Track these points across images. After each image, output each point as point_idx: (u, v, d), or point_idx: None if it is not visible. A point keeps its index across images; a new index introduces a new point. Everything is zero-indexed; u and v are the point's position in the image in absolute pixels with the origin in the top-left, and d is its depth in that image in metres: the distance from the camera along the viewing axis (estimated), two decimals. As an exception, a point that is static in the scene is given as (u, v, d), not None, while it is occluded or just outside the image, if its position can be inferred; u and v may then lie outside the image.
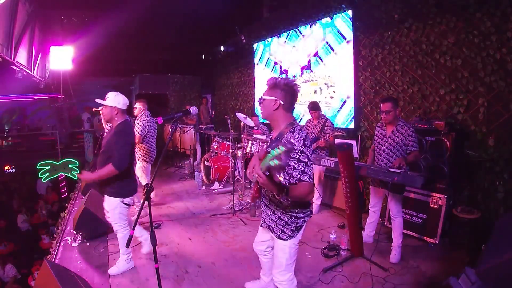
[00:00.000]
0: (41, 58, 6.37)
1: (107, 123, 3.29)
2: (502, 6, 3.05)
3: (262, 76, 7.08)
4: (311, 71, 5.58)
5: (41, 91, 7.55)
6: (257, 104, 7.30)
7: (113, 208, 2.69)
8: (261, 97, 1.84)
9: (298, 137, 1.70)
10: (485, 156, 3.26)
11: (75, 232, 3.58)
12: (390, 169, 2.74)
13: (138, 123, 4.21)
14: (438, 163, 3.38)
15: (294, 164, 1.67)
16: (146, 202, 1.95)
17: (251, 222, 4.07)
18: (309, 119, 4.40)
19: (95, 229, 3.61)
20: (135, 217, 2.06)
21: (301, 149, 1.67)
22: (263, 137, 4.90)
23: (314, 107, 4.22)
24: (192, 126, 6.96)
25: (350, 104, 4.84)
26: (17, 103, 10.28)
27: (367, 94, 4.55)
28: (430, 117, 3.71)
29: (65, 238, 3.69)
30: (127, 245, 1.93)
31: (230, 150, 5.43)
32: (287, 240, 1.85)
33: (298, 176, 1.67)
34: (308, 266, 2.98)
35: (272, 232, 1.93)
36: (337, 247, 3.22)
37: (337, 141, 3.93)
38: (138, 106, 4.39)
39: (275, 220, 1.87)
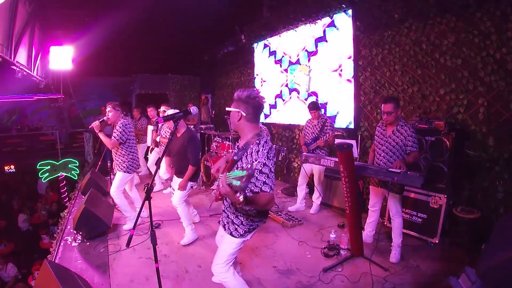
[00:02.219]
0: (41, 58, 6.37)
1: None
2: (502, 6, 3.05)
3: (261, 67, 7.05)
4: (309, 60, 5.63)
5: (41, 91, 7.54)
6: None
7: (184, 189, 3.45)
8: (226, 108, 1.94)
9: (262, 149, 1.79)
10: (485, 156, 3.26)
11: (75, 232, 3.59)
12: (390, 169, 2.75)
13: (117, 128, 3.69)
14: (438, 163, 3.39)
15: (256, 175, 1.77)
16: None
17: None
18: (309, 119, 4.40)
19: (95, 228, 3.61)
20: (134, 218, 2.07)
21: (264, 161, 1.77)
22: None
23: (314, 106, 4.22)
24: (192, 126, 6.96)
25: (343, 115, 4.88)
26: (17, 103, 10.28)
27: (367, 94, 4.55)
28: (430, 117, 3.71)
29: (65, 237, 3.70)
30: (127, 245, 1.95)
31: (230, 150, 5.43)
32: (237, 238, 1.98)
33: (260, 186, 1.77)
34: (308, 266, 2.99)
35: (224, 230, 2.06)
36: (337, 247, 3.22)
37: (337, 141, 3.92)
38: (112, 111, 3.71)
39: (233, 218, 1.98)
